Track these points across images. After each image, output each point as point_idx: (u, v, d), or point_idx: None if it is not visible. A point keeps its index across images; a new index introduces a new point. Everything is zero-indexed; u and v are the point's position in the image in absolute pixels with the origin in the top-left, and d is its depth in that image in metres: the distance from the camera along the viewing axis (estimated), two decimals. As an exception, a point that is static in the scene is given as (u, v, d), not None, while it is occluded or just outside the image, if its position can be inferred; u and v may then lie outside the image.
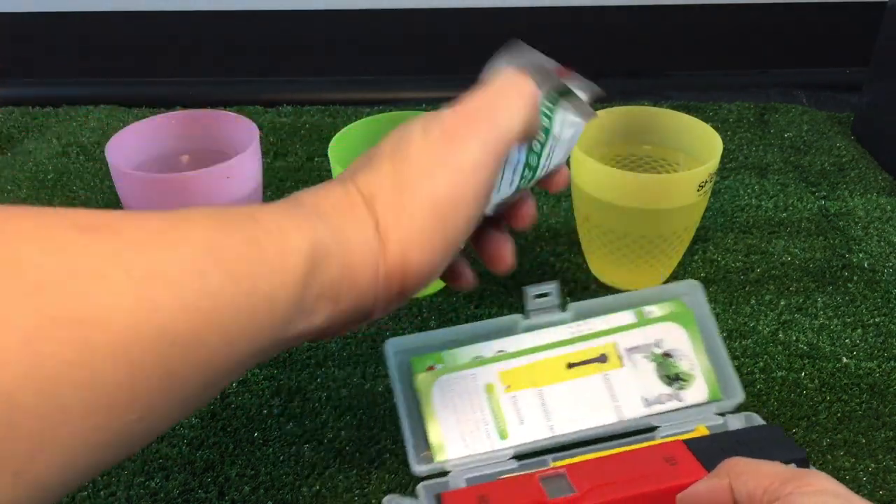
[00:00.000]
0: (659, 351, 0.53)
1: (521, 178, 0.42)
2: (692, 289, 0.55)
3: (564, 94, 0.43)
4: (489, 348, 0.53)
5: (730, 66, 1.05)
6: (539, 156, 0.43)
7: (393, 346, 0.52)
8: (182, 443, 0.54)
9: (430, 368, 0.52)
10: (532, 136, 0.40)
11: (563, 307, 0.54)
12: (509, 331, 0.54)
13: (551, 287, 0.53)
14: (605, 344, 0.53)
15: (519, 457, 0.50)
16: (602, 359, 0.53)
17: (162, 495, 0.51)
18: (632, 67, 1.05)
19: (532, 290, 0.53)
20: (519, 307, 0.55)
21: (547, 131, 0.42)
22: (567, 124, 0.44)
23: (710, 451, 0.44)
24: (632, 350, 0.53)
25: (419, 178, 0.34)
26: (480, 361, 0.52)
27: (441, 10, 1.00)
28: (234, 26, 1.01)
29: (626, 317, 0.54)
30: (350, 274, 0.32)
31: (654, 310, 0.54)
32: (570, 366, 0.53)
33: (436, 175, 0.34)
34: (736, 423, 0.51)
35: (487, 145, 0.35)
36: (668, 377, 0.52)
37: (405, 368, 0.52)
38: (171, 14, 1.00)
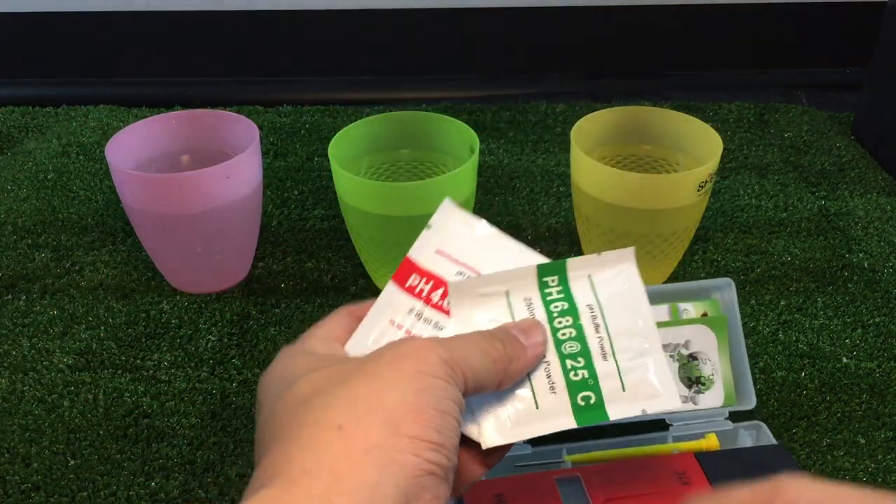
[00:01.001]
0: (686, 352, 0.53)
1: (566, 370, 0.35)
2: (725, 286, 0.54)
3: (548, 269, 0.37)
4: None
5: (730, 66, 1.05)
6: (581, 337, 0.36)
7: None
8: (182, 443, 0.54)
9: None
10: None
11: None
12: None
13: None
14: None
15: (534, 441, 0.50)
16: None
17: (162, 495, 0.51)
18: (632, 67, 1.05)
19: None
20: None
21: (571, 309, 0.37)
22: (599, 282, 0.37)
23: (720, 469, 0.45)
24: None
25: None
26: None
27: (441, 10, 1.00)
28: (234, 26, 1.01)
29: (661, 313, 0.54)
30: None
31: (690, 309, 0.54)
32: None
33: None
34: (745, 434, 0.52)
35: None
36: (689, 379, 0.53)
37: None
38: (171, 14, 1.00)
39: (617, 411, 0.34)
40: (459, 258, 0.38)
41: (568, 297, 0.37)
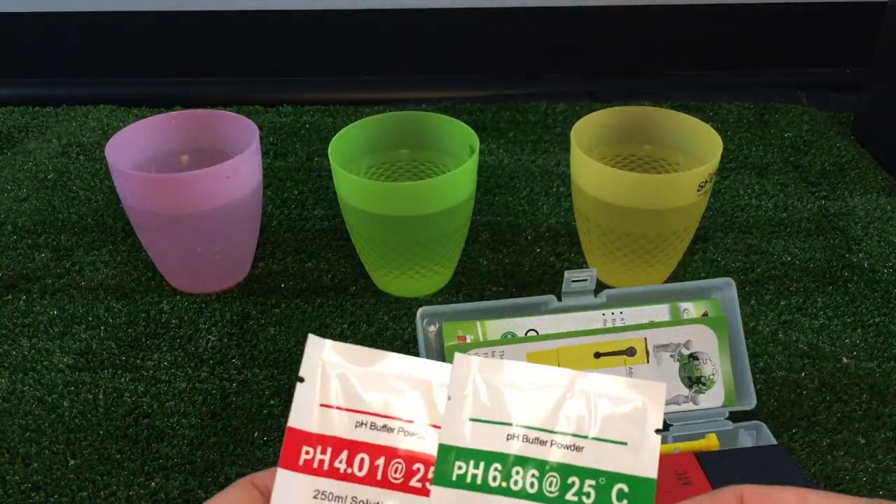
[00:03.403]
0: (686, 352, 0.53)
1: None
2: (726, 286, 0.55)
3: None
4: (521, 326, 0.53)
5: (730, 66, 1.05)
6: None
7: (424, 314, 0.51)
8: (182, 443, 0.54)
9: (462, 339, 0.52)
10: None
11: (595, 293, 0.54)
12: (543, 308, 0.53)
13: (589, 274, 0.53)
14: (635, 338, 0.54)
15: None
16: (630, 352, 0.53)
17: (162, 495, 0.51)
18: (632, 67, 1.05)
19: (571, 275, 0.53)
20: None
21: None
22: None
23: (720, 469, 0.45)
24: (660, 347, 0.53)
25: None
26: (511, 340, 0.53)
27: (441, 10, 1.00)
28: (234, 26, 1.01)
29: (662, 313, 0.54)
30: None
31: (690, 308, 0.54)
32: (598, 355, 0.53)
33: None
34: (745, 434, 0.52)
35: None
36: (689, 379, 0.53)
37: (432, 339, 0.52)
38: (172, 14, 1.00)
39: None
40: (354, 405, 0.30)
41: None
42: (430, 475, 0.29)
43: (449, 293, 0.67)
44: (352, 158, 0.67)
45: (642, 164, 0.70)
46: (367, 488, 0.29)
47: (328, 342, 0.30)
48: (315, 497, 0.29)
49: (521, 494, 0.28)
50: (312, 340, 0.30)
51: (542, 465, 0.28)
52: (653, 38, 1.03)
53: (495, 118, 0.93)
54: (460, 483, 0.29)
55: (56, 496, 0.51)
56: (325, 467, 0.29)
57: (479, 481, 0.28)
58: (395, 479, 0.29)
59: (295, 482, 0.29)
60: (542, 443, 0.29)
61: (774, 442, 0.50)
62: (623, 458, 0.29)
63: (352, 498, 0.29)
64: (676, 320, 0.54)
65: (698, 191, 0.60)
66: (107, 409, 0.57)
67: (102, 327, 0.64)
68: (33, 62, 1.04)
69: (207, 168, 0.60)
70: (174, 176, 0.60)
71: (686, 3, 1.00)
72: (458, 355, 0.30)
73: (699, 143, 0.65)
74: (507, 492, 0.28)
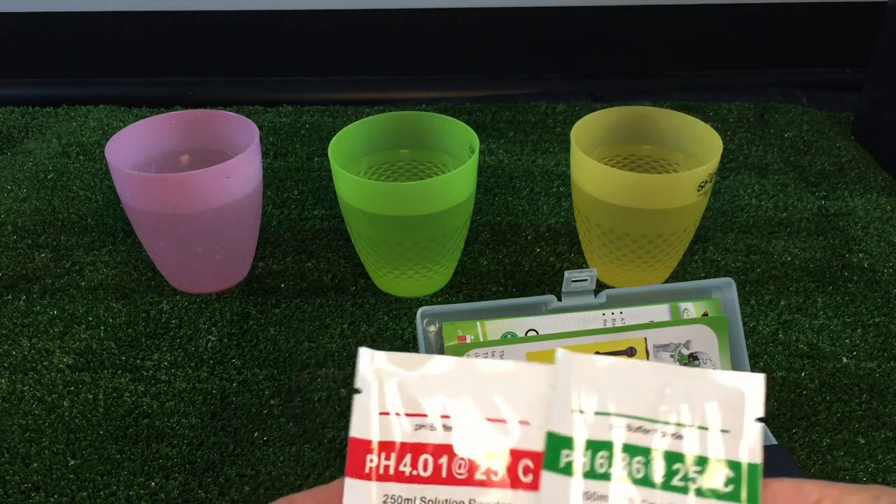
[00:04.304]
0: (686, 352, 0.53)
1: None
2: (726, 286, 0.55)
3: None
4: (521, 326, 0.53)
5: (730, 66, 1.05)
6: None
7: (424, 314, 0.51)
8: (182, 443, 0.54)
9: (462, 339, 0.52)
10: None
11: (595, 293, 0.54)
12: (543, 308, 0.53)
13: (589, 274, 0.53)
14: (635, 338, 0.53)
15: None
16: (630, 352, 0.53)
17: (162, 495, 0.51)
18: (632, 67, 1.05)
19: (571, 275, 0.53)
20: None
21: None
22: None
23: None
24: (660, 347, 0.53)
25: None
26: (511, 340, 0.53)
27: (441, 10, 1.00)
28: (234, 26, 1.01)
29: (662, 313, 0.54)
30: None
31: (690, 308, 0.54)
32: (598, 355, 0.53)
33: None
34: None
35: None
36: None
37: (432, 339, 0.52)
38: (171, 14, 1.00)
39: None
40: (412, 409, 0.31)
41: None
42: (495, 467, 0.30)
43: (449, 293, 0.67)
44: (352, 158, 0.67)
45: (642, 164, 0.70)
46: (434, 486, 0.30)
47: (378, 353, 0.31)
48: (385, 502, 0.30)
49: (628, 480, 0.29)
50: (364, 353, 0.31)
51: (646, 453, 0.29)
52: (653, 38, 1.03)
53: (495, 118, 0.93)
54: (567, 470, 0.30)
55: (56, 496, 0.51)
56: (392, 472, 0.30)
57: (587, 468, 0.29)
58: (460, 474, 0.30)
59: (363, 489, 0.30)
60: (646, 432, 0.30)
61: (774, 442, 0.51)
62: (727, 446, 0.29)
63: (420, 498, 0.30)
64: (676, 320, 0.54)
65: (698, 191, 0.60)
66: (107, 409, 0.57)
67: (102, 327, 0.64)
68: (33, 62, 1.04)
69: (207, 168, 0.60)
70: (174, 176, 0.60)
71: (686, 3, 1.00)
72: (560, 351, 0.31)
73: (699, 143, 0.65)
74: (614, 477, 0.29)
